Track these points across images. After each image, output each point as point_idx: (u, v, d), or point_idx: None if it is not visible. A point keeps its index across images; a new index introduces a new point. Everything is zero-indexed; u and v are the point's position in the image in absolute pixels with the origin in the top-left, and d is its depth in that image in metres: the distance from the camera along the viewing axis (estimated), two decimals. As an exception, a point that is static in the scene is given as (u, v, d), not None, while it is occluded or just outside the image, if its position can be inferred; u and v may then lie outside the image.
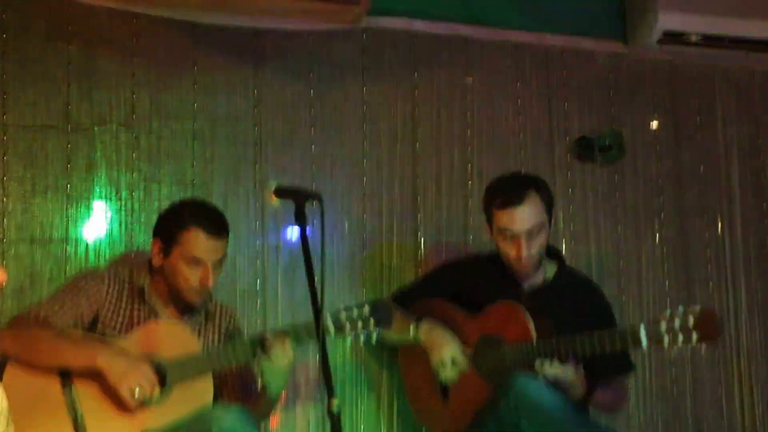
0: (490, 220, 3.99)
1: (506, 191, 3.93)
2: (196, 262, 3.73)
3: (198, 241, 3.72)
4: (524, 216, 3.87)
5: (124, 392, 3.49)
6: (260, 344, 3.64)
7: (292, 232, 4.45)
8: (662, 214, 5.10)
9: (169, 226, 3.80)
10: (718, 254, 5.14)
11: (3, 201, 4.13)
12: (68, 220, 4.25)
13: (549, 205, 3.96)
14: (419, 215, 4.75)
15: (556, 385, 3.65)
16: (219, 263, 3.80)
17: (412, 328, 4.07)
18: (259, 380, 3.85)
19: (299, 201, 3.24)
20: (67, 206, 4.26)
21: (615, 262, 4.98)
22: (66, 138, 4.27)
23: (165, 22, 4.40)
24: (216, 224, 3.77)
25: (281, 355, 3.62)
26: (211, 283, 3.75)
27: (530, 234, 3.88)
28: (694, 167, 5.18)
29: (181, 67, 4.45)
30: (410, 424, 4.40)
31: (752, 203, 5.23)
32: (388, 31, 4.76)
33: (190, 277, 3.74)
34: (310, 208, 3.19)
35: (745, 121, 5.26)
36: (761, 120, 5.28)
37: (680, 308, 3.40)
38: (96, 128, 4.32)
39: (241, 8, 4.44)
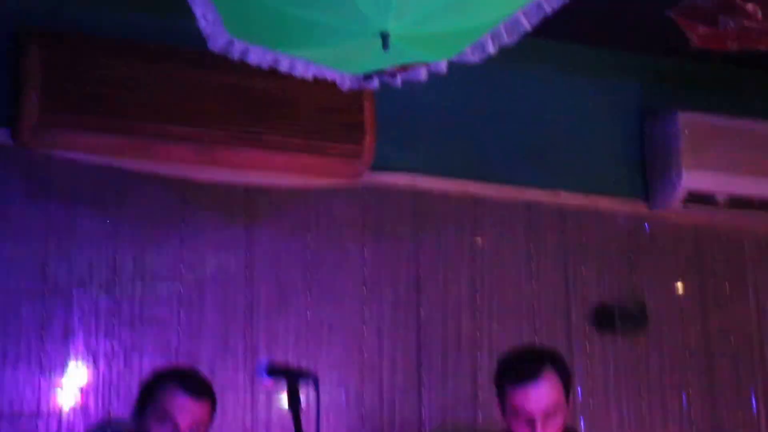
0: (501, 397, 3.94)
1: (520, 367, 3.91)
2: (167, 418, 3.69)
3: (173, 397, 3.70)
4: (540, 395, 3.83)
5: None
6: None
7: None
8: (690, 389, 5.18)
9: (148, 386, 3.83)
10: (754, 434, 5.18)
11: None
12: (41, 392, 4.29)
13: (567, 382, 3.94)
14: (423, 390, 4.80)
15: None
16: (194, 429, 3.76)
17: None
18: None
19: (292, 381, 3.35)
20: (39, 377, 4.30)
21: (639, 444, 4.99)
22: (42, 302, 4.36)
23: (152, 178, 4.54)
24: (197, 384, 3.78)
25: None
26: None
27: (547, 415, 3.82)
28: (724, 338, 5.28)
29: (167, 225, 4.57)
30: None
31: (789, 378, 5.31)
32: (390, 188, 4.91)
33: None
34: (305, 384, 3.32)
35: (782, 290, 5.38)
36: (797, 288, 5.42)
37: None
38: (74, 291, 4.41)
39: (233, 164, 4.59)
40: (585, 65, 5.32)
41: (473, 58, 3.35)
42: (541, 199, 5.14)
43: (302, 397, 3.44)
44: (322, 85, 3.43)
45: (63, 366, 4.37)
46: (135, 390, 4.06)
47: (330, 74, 3.49)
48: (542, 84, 5.24)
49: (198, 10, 3.17)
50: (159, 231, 4.58)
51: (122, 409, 4.29)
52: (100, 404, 4.38)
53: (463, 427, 4.77)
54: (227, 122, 4.48)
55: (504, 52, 3.27)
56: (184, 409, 3.71)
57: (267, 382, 3.67)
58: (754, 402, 5.24)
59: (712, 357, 5.25)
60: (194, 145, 4.48)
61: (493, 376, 4.06)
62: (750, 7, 3.45)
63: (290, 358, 4.34)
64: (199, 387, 3.79)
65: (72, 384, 4.37)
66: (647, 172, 5.29)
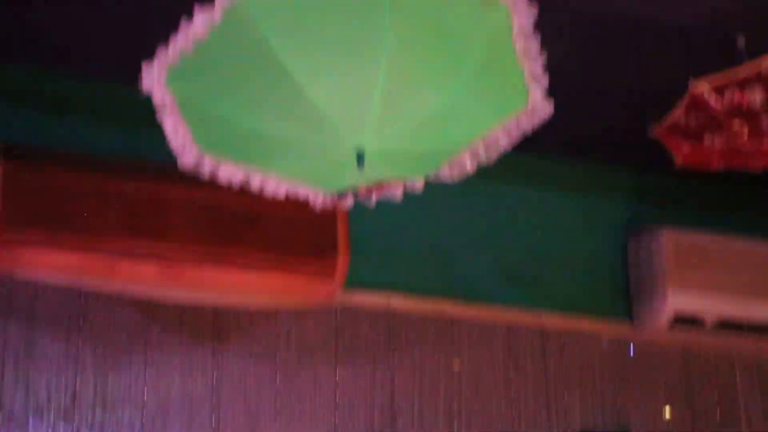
0: None
1: None
2: None
3: None
4: None
5: None
6: None
7: None
8: None
9: None
10: None
11: None
12: None
13: None
14: None
15: None
16: None
17: None
18: None
19: None
20: None
21: None
22: (-3, 430, 4.32)
23: (115, 298, 4.54)
24: None
25: None
26: None
27: None
28: None
29: (131, 348, 4.56)
30: None
31: None
32: (364, 308, 4.92)
33: None
34: None
35: (770, 415, 5.38)
36: (789, 414, 5.42)
37: None
38: (31, 419, 4.37)
39: (201, 283, 4.58)
40: (566, 181, 5.37)
41: (450, 176, 3.37)
42: (522, 321, 5.15)
43: None
44: (294, 201, 3.44)
45: (18, 500, 4.31)
46: None
47: (303, 191, 3.50)
48: (522, 201, 5.29)
49: (168, 125, 3.19)
50: (122, 354, 4.57)
51: None
52: None
53: None
54: (195, 239, 4.50)
55: (482, 167, 3.29)
56: None
57: None
58: None
59: (702, 487, 5.18)
60: (160, 263, 4.48)
61: None
62: (736, 125, 3.48)
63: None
64: None
65: None
66: (632, 292, 5.30)
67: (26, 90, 4.60)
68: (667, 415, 5.28)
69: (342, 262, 4.68)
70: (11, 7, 4.03)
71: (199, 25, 2.95)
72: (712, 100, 3.49)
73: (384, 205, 3.43)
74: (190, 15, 2.91)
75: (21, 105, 4.57)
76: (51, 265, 4.41)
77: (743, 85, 3.44)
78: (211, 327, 4.71)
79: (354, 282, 4.77)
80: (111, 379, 4.53)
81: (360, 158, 3.06)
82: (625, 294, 5.32)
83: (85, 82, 4.56)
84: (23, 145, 4.43)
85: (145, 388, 4.56)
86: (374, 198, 3.43)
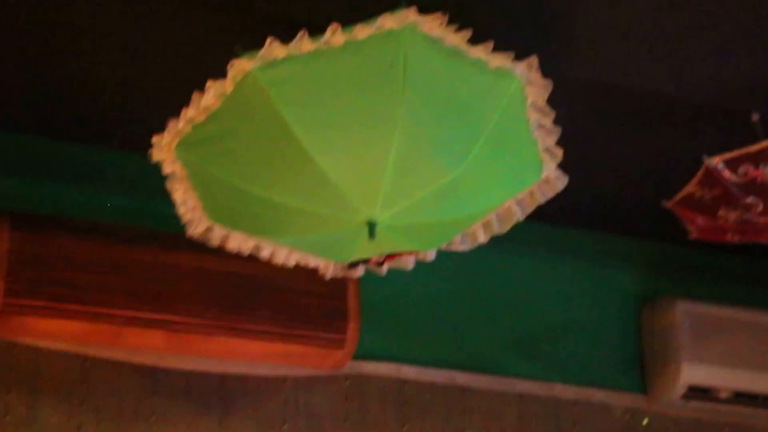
0: None
1: None
2: None
3: None
4: None
5: None
6: None
7: None
8: None
9: None
10: None
11: None
12: None
13: None
14: None
15: None
16: None
17: None
18: None
19: None
20: None
21: None
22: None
23: (119, 366, 4.53)
24: None
25: None
26: None
27: None
28: None
29: (135, 417, 4.53)
30: None
31: None
32: (374, 378, 4.90)
33: None
34: None
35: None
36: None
37: None
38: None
39: (207, 351, 4.59)
40: (579, 251, 5.36)
41: (463, 247, 3.39)
42: (534, 391, 5.12)
43: None
44: (304, 271, 3.45)
45: None
46: None
47: (313, 261, 3.52)
48: (534, 270, 5.27)
49: (177, 196, 3.21)
50: (126, 423, 4.54)
51: None
52: None
53: None
54: (202, 308, 4.48)
55: (495, 239, 3.30)
56: None
57: None
58: None
59: None
60: (166, 331, 4.46)
61: None
62: (750, 200, 3.50)
63: None
64: None
65: None
66: (645, 363, 5.28)
67: (35, 159, 4.60)
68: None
69: (352, 331, 4.65)
70: (20, 75, 4.07)
71: (210, 95, 2.98)
72: (726, 174, 3.50)
73: (396, 275, 3.44)
74: (201, 87, 2.94)
75: (29, 174, 4.58)
76: (55, 333, 4.41)
77: (757, 160, 3.45)
78: (218, 395, 4.68)
79: (364, 351, 4.77)
80: (115, 448, 4.51)
81: (372, 230, 3.09)
82: (638, 365, 5.29)
83: (94, 151, 4.57)
84: (31, 214, 4.43)
85: (151, 458, 4.53)
86: (385, 268, 3.45)
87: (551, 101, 3.12)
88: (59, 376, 4.49)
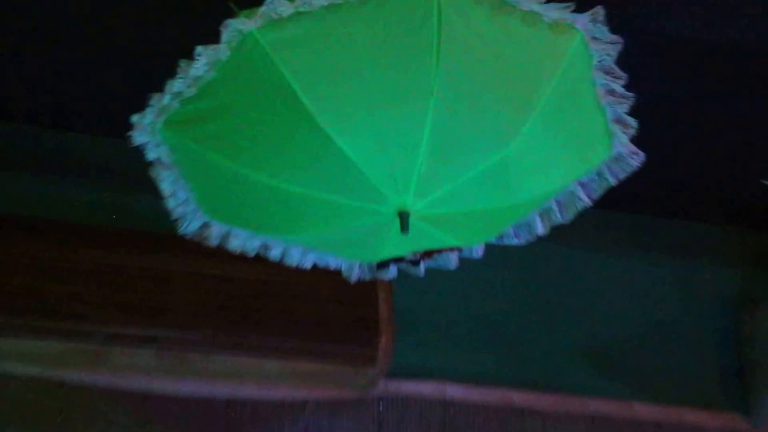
0: None
1: None
2: None
3: None
4: None
5: None
6: None
7: None
8: None
9: None
10: None
11: None
12: None
13: None
14: None
15: None
16: None
17: None
18: None
19: None
20: None
21: None
22: None
23: (104, 393, 4.56)
24: None
25: None
26: None
27: None
28: None
29: (131, 444, 4.59)
30: None
31: None
32: (414, 400, 4.91)
33: None
34: None
35: None
36: None
37: None
38: None
39: (210, 372, 4.61)
40: (662, 243, 5.35)
41: (517, 240, 3.37)
42: (610, 411, 5.14)
43: None
44: (324, 274, 3.44)
45: None
46: None
47: (334, 262, 3.49)
48: (607, 267, 5.27)
49: (165, 187, 3.20)
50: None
51: None
52: None
53: None
54: (200, 319, 4.52)
55: (555, 231, 3.27)
56: None
57: None
58: None
59: None
60: (157, 349, 4.51)
61: None
62: None
63: None
64: None
65: None
66: (746, 378, 5.28)
67: (5, 149, 4.66)
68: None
69: (385, 344, 4.69)
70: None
71: (201, 65, 2.95)
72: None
73: (437, 276, 3.41)
74: (189, 54, 2.91)
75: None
76: (25, 355, 4.45)
77: None
78: (223, 424, 4.70)
79: (400, 368, 4.79)
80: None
81: (404, 221, 3.03)
82: (737, 380, 5.29)
83: (60, 136, 4.59)
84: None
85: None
86: (423, 267, 3.42)
87: (622, 61, 3.07)
88: (32, 407, 4.51)
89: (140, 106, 2.99)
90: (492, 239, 3.41)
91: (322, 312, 4.60)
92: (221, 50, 2.94)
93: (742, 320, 5.34)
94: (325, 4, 2.90)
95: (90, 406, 4.56)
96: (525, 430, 5.05)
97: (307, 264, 3.43)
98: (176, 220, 3.25)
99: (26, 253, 4.37)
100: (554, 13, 3.00)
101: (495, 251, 3.34)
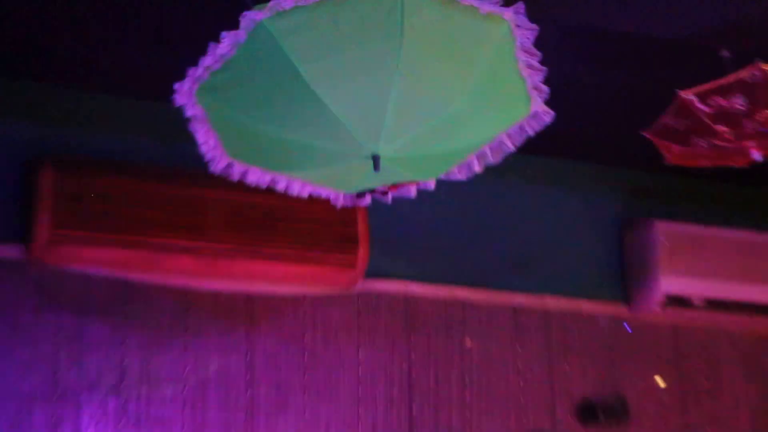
0: None
1: None
2: None
3: None
4: None
5: None
6: None
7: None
8: (672, 479, 5.09)
9: None
10: None
11: None
12: (49, 493, 4.23)
13: None
14: (416, 484, 4.73)
15: None
16: None
17: None
18: None
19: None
20: (52, 478, 4.26)
21: None
22: (53, 405, 4.32)
23: (157, 288, 4.53)
24: None
25: None
26: None
27: None
28: (703, 430, 5.23)
29: (172, 331, 4.55)
30: None
31: (768, 468, 5.27)
32: (383, 295, 4.90)
33: None
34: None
35: (752, 385, 5.36)
36: (768, 384, 5.40)
37: None
38: (84, 394, 4.37)
39: (234, 274, 4.58)
40: (567, 179, 5.33)
41: (460, 176, 3.34)
42: (527, 304, 5.13)
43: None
44: (317, 201, 3.41)
45: (73, 466, 4.31)
46: None
47: (325, 192, 3.47)
48: (526, 197, 5.25)
49: (200, 136, 3.17)
50: (163, 337, 4.56)
51: (129, 508, 4.22)
52: (108, 504, 4.31)
53: None
54: (228, 235, 4.50)
55: (489, 168, 3.25)
56: None
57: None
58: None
59: (690, 448, 5.15)
60: (197, 256, 4.48)
61: None
62: (720, 128, 3.45)
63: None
64: None
65: (82, 485, 4.31)
66: (626, 277, 5.28)
67: (77, 108, 4.60)
68: (660, 385, 5.24)
69: (362, 253, 4.68)
70: (58, 33, 4.06)
71: (225, 44, 2.92)
72: (698, 105, 3.46)
73: (400, 202, 3.40)
74: (216, 38, 2.87)
75: (72, 123, 4.58)
76: (98, 260, 4.42)
77: (725, 92, 3.42)
78: (244, 312, 4.68)
79: (373, 271, 4.77)
80: (154, 359, 4.52)
81: (376, 162, 3.01)
82: (620, 279, 5.29)
83: (126, 101, 4.57)
84: (70, 157, 4.44)
85: (186, 367, 4.55)
86: (390, 196, 3.40)
87: (538, 43, 3.04)
88: (104, 298, 4.49)
89: (181, 76, 2.93)
90: (442, 175, 3.38)
91: (315, 229, 4.57)
92: (240, 34, 2.90)
93: (623, 235, 5.34)
94: (317, 1, 2.87)
95: (146, 298, 4.55)
96: (465, 318, 5.04)
97: (305, 193, 3.39)
98: (209, 161, 3.22)
99: (99, 186, 4.35)
100: (487, 7, 2.96)
101: (444, 184, 3.31)
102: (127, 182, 4.40)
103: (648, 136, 3.66)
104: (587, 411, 5.06)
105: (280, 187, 3.31)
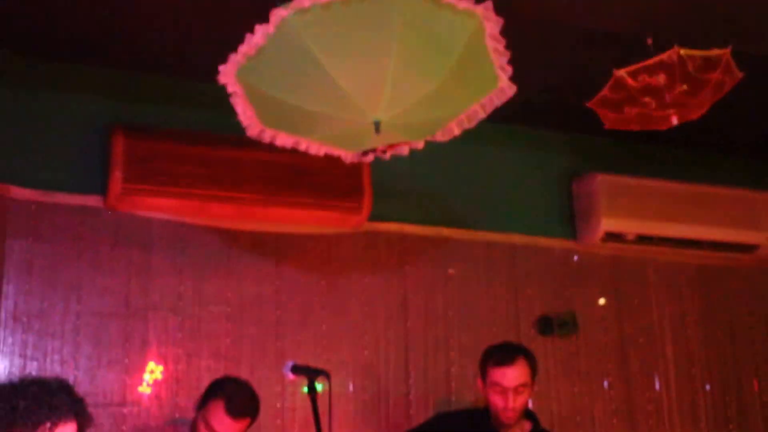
0: (483, 375, 4.02)
1: (501, 354, 3.99)
2: (210, 428, 3.71)
3: (217, 413, 3.69)
4: (514, 375, 3.92)
5: None
6: None
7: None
8: (609, 377, 5.16)
9: (207, 392, 3.83)
10: (658, 411, 5.19)
11: (75, 373, 4.18)
12: (125, 388, 4.30)
13: (534, 371, 4.02)
14: (410, 381, 4.78)
15: None
16: None
17: None
18: None
19: (311, 377, 3.34)
20: (125, 377, 4.31)
21: (572, 417, 5.01)
22: (125, 322, 4.37)
23: (205, 229, 4.55)
24: (239, 406, 3.70)
25: None
26: None
27: (517, 390, 3.92)
28: (635, 338, 5.26)
29: (217, 264, 4.57)
30: None
31: (682, 368, 5.31)
32: (383, 234, 4.90)
33: None
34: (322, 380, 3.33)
35: (674, 302, 5.40)
36: (687, 302, 5.43)
37: None
38: (149, 313, 4.42)
39: (266, 218, 4.60)
40: (528, 142, 5.31)
41: (443, 138, 3.35)
42: (497, 240, 5.13)
43: (318, 388, 3.40)
44: (331, 158, 3.43)
45: (141, 368, 4.37)
46: (195, 385, 4.16)
47: (336, 151, 3.49)
48: (496, 156, 5.22)
49: (239, 108, 3.19)
50: (211, 268, 4.58)
51: (185, 400, 4.29)
52: (169, 396, 4.38)
53: (441, 400, 4.74)
54: (261, 187, 4.49)
55: (466, 132, 3.27)
56: (224, 424, 3.69)
57: (292, 377, 3.60)
58: (657, 384, 5.24)
59: (626, 352, 5.24)
60: (237, 205, 4.49)
61: (480, 360, 4.07)
62: (647, 99, 3.47)
63: (310, 359, 4.24)
64: (241, 409, 3.70)
65: (148, 381, 4.37)
66: (575, 218, 5.28)
67: (145, 86, 4.61)
68: (601, 304, 5.27)
69: (366, 201, 4.68)
70: (128, 18, 4.05)
71: (258, 35, 2.92)
72: (629, 81, 3.47)
73: (397, 159, 3.42)
74: (252, 30, 2.89)
75: (139, 97, 4.59)
76: (160, 208, 4.44)
77: (651, 71, 3.43)
78: (274, 249, 4.69)
79: (376, 215, 4.77)
80: (204, 286, 4.54)
81: (377, 127, 3.04)
82: (570, 220, 5.29)
83: (182, 79, 4.57)
84: (139, 125, 4.44)
85: (228, 292, 4.57)
86: (388, 154, 3.42)
87: (502, 33, 3.05)
88: (165, 238, 4.52)
89: (224, 60, 2.96)
90: (429, 137, 3.40)
91: (330, 182, 4.56)
92: (269, 27, 2.90)
93: (572, 185, 5.35)
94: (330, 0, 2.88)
95: (198, 238, 4.57)
96: (448, 252, 5.05)
97: (321, 153, 3.41)
98: (246, 127, 3.24)
99: (161, 148, 4.37)
100: (463, 3, 2.97)
101: (431, 145, 3.33)
102: (182, 146, 4.39)
103: (590, 106, 3.67)
104: (544, 324, 5.09)
105: (302, 148, 3.32)
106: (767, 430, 5.35)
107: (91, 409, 2.55)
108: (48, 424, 2.42)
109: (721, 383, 5.32)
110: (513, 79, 3.13)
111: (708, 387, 5.31)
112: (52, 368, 4.15)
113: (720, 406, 5.29)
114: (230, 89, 3.12)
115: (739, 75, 3.44)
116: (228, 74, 3.08)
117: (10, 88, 4.37)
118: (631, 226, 5.15)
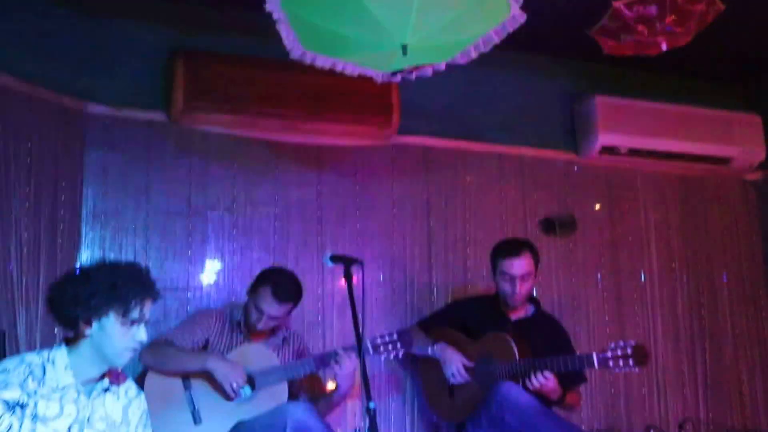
0: (494, 266, 4.08)
1: (510, 247, 4.06)
2: (259, 311, 3.77)
3: (265, 298, 3.75)
4: (520, 264, 3.99)
5: (227, 387, 3.58)
6: (333, 357, 3.70)
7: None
8: (602, 270, 5.15)
9: (258, 279, 3.87)
10: (642, 298, 5.19)
11: (146, 263, 4.18)
12: (189, 276, 4.36)
13: (537, 262, 4.08)
14: (432, 271, 4.80)
15: (539, 392, 3.72)
16: (278, 320, 3.79)
17: (430, 348, 4.16)
18: (328, 384, 3.90)
19: (347, 264, 3.37)
20: (189, 266, 4.37)
21: (570, 304, 5.02)
22: (188, 220, 4.40)
23: (256, 141, 4.53)
24: (284, 291, 3.74)
25: (349, 363, 3.67)
26: (265, 327, 3.79)
27: (523, 278, 3.99)
28: (624, 238, 5.24)
29: (266, 171, 4.57)
30: (425, 416, 4.44)
31: (664, 262, 5.29)
32: (410, 146, 4.86)
33: (256, 321, 3.79)
34: (356, 268, 3.35)
35: (659, 207, 5.35)
36: (670, 207, 5.37)
37: (621, 342, 3.52)
38: (208, 213, 4.44)
39: (308, 131, 4.57)
40: (537, 67, 5.19)
41: (462, 60, 3.31)
42: (508, 152, 5.08)
43: (353, 276, 3.42)
44: (364, 79, 3.40)
45: (202, 259, 4.41)
46: (247, 274, 4.18)
47: (369, 72, 3.45)
48: (508, 79, 5.10)
49: (283, 33, 3.15)
50: (261, 174, 4.57)
51: (240, 286, 4.33)
52: (225, 283, 4.42)
53: (458, 288, 4.76)
54: (304, 104, 4.44)
55: (483, 57, 3.21)
56: (272, 307, 3.75)
57: (331, 266, 3.60)
58: (642, 276, 5.21)
59: (616, 249, 5.20)
60: (283, 120, 4.46)
61: (491, 253, 4.13)
62: (640, 28, 3.39)
63: (346, 251, 4.26)
64: (286, 294, 3.75)
65: (209, 270, 4.41)
66: (576, 134, 5.20)
67: (204, 17, 4.53)
68: (597, 208, 5.24)
69: (395, 117, 4.63)
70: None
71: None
72: (626, 12, 3.39)
73: (422, 80, 3.37)
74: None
75: (199, 27, 4.51)
76: (216, 122, 4.42)
77: (644, 3, 3.35)
78: (315, 158, 4.67)
79: (403, 129, 4.73)
80: (255, 189, 4.54)
81: (404, 50, 2.99)
82: (572, 135, 5.21)
83: (234, 9, 4.45)
84: (198, 52, 4.40)
85: (276, 196, 4.58)
86: (414, 75, 3.38)
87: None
88: (222, 148, 4.50)
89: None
90: (450, 60, 3.35)
91: (363, 99, 4.50)
92: None
93: (574, 105, 5.24)
94: None
95: (250, 148, 4.55)
96: (466, 163, 4.99)
97: (355, 73, 3.37)
98: (289, 51, 3.20)
99: (218, 72, 4.34)
100: None
101: (452, 67, 3.28)
102: (234, 69, 4.34)
103: (591, 34, 3.59)
104: (548, 225, 5.06)
105: (338, 68, 3.29)
106: (733, 313, 5.36)
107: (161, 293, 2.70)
108: (139, 299, 2.58)
109: (695, 275, 5.31)
110: (523, 8, 3.05)
111: (685, 278, 5.30)
112: (127, 259, 4.21)
113: (694, 294, 5.29)
114: (275, 16, 3.07)
115: (721, 7, 3.33)
116: (273, 2, 3.03)
117: (90, 17, 4.34)
118: (624, 141, 5.07)
